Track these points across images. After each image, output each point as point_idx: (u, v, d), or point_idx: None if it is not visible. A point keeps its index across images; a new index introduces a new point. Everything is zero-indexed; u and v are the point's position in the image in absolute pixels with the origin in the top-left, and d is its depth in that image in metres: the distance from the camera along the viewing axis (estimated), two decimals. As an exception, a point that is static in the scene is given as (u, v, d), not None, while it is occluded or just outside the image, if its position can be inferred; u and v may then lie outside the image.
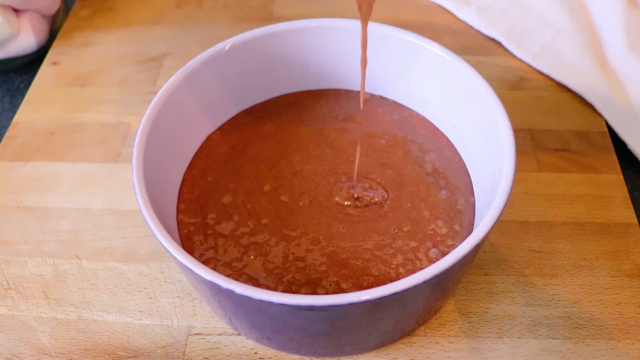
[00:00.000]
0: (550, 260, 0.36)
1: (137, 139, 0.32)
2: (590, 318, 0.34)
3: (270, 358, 0.33)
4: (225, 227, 0.34)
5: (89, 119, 0.45)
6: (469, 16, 0.51)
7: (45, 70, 0.49)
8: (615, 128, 0.43)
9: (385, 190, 0.35)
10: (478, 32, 0.50)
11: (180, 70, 0.35)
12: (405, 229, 0.33)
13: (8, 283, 0.37)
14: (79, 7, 0.54)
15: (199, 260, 0.32)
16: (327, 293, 0.31)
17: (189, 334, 0.34)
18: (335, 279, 0.32)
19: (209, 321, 0.35)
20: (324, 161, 0.37)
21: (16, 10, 0.48)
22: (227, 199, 0.35)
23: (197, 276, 0.27)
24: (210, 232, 0.34)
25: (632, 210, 0.38)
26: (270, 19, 0.52)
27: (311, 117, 0.39)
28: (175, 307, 0.35)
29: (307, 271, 0.32)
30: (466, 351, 0.33)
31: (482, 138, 0.34)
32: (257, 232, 0.34)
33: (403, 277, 0.29)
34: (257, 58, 0.37)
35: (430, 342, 0.34)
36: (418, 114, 0.39)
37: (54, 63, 0.50)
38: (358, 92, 0.40)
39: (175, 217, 0.34)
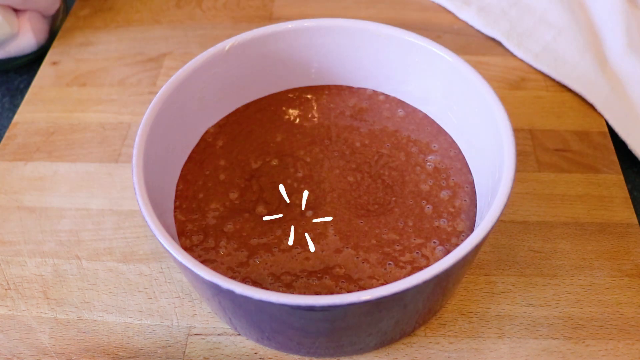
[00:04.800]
0: (550, 260, 0.36)
1: (137, 139, 0.32)
2: (590, 318, 0.34)
3: (270, 358, 0.33)
4: (225, 226, 0.34)
5: (88, 119, 0.45)
6: (469, 16, 0.51)
7: (45, 70, 0.49)
8: (615, 128, 0.43)
9: (389, 190, 0.35)
10: (478, 32, 0.50)
11: (180, 70, 0.35)
12: (407, 229, 0.33)
13: (8, 283, 0.37)
14: (79, 7, 0.54)
15: (198, 259, 0.33)
16: (329, 292, 0.31)
17: (189, 334, 0.34)
18: (335, 278, 0.32)
19: (209, 321, 0.35)
20: (325, 156, 0.37)
21: (16, 10, 0.48)
22: (226, 195, 0.35)
23: (197, 276, 0.27)
24: (210, 231, 0.34)
25: (632, 210, 0.38)
26: (270, 19, 0.52)
27: (312, 112, 0.39)
28: (175, 307, 0.35)
29: (307, 270, 0.32)
30: (466, 351, 0.33)
31: (482, 138, 0.34)
32: (256, 230, 0.34)
33: (404, 277, 0.29)
34: (257, 58, 0.37)
35: (430, 342, 0.34)
36: (421, 113, 0.39)
37: (54, 63, 0.50)
38: (358, 89, 0.40)
39: (174, 216, 0.34)
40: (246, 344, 0.34)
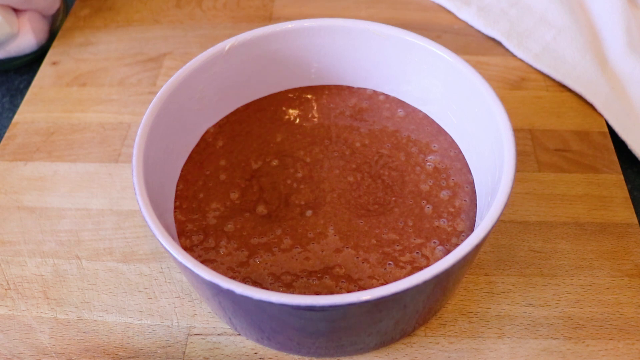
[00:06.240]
0: (550, 260, 0.36)
1: (137, 139, 0.32)
2: (590, 318, 0.34)
3: (270, 358, 0.33)
4: (225, 226, 0.34)
5: (88, 119, 0.45)
6: (469, 16, 0.51)
7: (45, 70, 0.49)
8: (615, 128, 0.43)
9: (389, 190, 0.35)
10: (478, 32, 0.50)
11: (180, 70, 0.35)
12: (407, 229, 0.33)
13: (8, 283, 0.37)
14: (79, 7, 0.54)
15: (198, 259, 0.33)
16: (329, 292, 0.31)
17: (189, 334, 0.34)
18: (335, 278, 0.32)
19: (209, 321, 0.35)
20: (325, 156, 0.37)
21: (16, 10, 0.48)
22: (226, 195, 0.35)
23: (197, 276, 0.27)
24: (210, 231, 0.34)
25: (632, 210, 0.38)
26: (270, 19, 0.52)
27: (312, 112, 0.39)
28: (175, 307, 0.35)
29: (307, 270, 0.32)
30: (466, 351, 0.33)
31: (482, 138, 0.34)
32: (257, 230, 0.34)
33: (404, 277, 0.29)
34: (257, 58, 0.37)
35: (430, 342, 0.34)
36: (421, 113, 0.39)
37: (54, 63, 0.50)
38: (358, 89, 0.40)
39: (174, 216, 0.34)
40: (246, 344, 0.34)
